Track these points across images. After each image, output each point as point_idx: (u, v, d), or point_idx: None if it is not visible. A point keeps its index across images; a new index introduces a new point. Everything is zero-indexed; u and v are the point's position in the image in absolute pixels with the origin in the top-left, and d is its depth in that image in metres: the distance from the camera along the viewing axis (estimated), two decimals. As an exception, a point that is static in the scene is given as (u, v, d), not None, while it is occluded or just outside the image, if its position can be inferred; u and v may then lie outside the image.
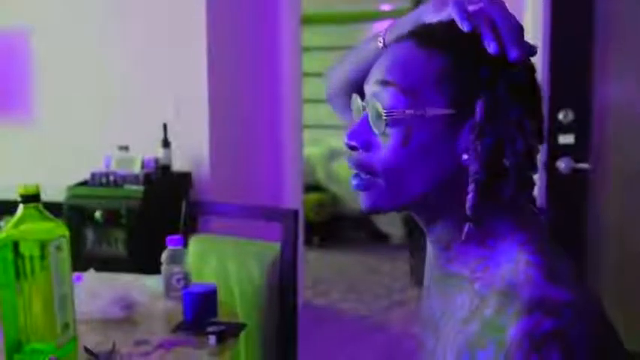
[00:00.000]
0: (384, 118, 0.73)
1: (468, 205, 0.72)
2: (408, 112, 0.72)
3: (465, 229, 0.73)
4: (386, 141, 0.74)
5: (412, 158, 0.73)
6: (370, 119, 0.75)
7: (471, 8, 0.73)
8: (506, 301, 0.66)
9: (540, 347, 0.62)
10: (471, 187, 0.72)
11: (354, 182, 0.78)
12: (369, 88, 0.77)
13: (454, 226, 0.76)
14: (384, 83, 0.74)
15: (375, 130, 0.75)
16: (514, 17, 0.74)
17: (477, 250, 0.75)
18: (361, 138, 0.76)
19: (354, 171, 0.78)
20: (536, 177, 0.79)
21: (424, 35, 0.75)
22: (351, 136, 0.77)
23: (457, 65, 0.72)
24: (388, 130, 0.74)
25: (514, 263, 0.70)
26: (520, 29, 0.73)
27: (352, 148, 0.77)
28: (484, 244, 0.75)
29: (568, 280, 0.68)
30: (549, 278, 0.67)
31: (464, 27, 0.72)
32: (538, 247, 0.72)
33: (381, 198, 0.76)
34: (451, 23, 0.74)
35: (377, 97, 0.75)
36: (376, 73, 0.77)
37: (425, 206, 0.77)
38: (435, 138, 0.73)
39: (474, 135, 0.71)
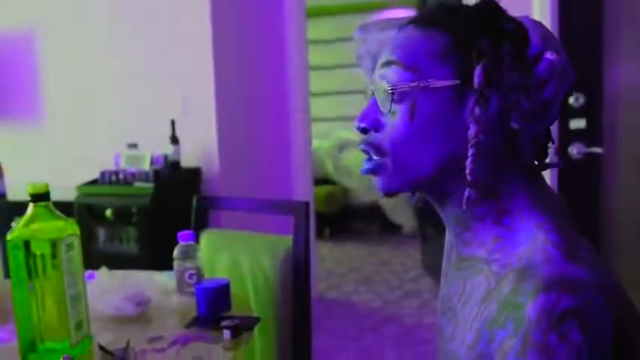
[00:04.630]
0: (390, 94, 0.74)
1: (467, 170, 0.72)
2: (412, 84, 0.73)
3: (466, 194, 0.73)
4: (393, 119, 0.75)
5: (420, 132, 0.74)
6: (378, 100, 0.77)
7: (548, 56, 0.74)
8: (524, 279, 0.66)
9: (559, 325, 0.61)
10: (471, 150, 0.72)
11: (364, 166, 0.78)
12: (376, 73, 0.78)
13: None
14: (388, 63, 0.76)
15: (383, 109, 0.76)
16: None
17: (494, 229, 0.75)
18: (370, 119, 0.77)
19: (366, 152, 0.78)
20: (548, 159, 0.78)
21: (422, 18, 0.77)
22: (361, 119, 0.78)
23: (458, 40, 0.73)
24: (395, 108, 0.75)
25: (532, 242, 0.70)
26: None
27: (363, 130, 0.78)
28: (500, 223, 0.74)
29: (587, 259, 0.68)
30: (568, 257, 0.67)
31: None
32: (556, 225, 0.71)
33: (392, 178, 0.77)
34: (449, 6, 0.76)
35: (382, 78, 0.76)
36: (381, 58, 0.78)
37: (436, 183, 0.76)
38: (441, 110, 0.73)
39: (473, 100, 0.72)
